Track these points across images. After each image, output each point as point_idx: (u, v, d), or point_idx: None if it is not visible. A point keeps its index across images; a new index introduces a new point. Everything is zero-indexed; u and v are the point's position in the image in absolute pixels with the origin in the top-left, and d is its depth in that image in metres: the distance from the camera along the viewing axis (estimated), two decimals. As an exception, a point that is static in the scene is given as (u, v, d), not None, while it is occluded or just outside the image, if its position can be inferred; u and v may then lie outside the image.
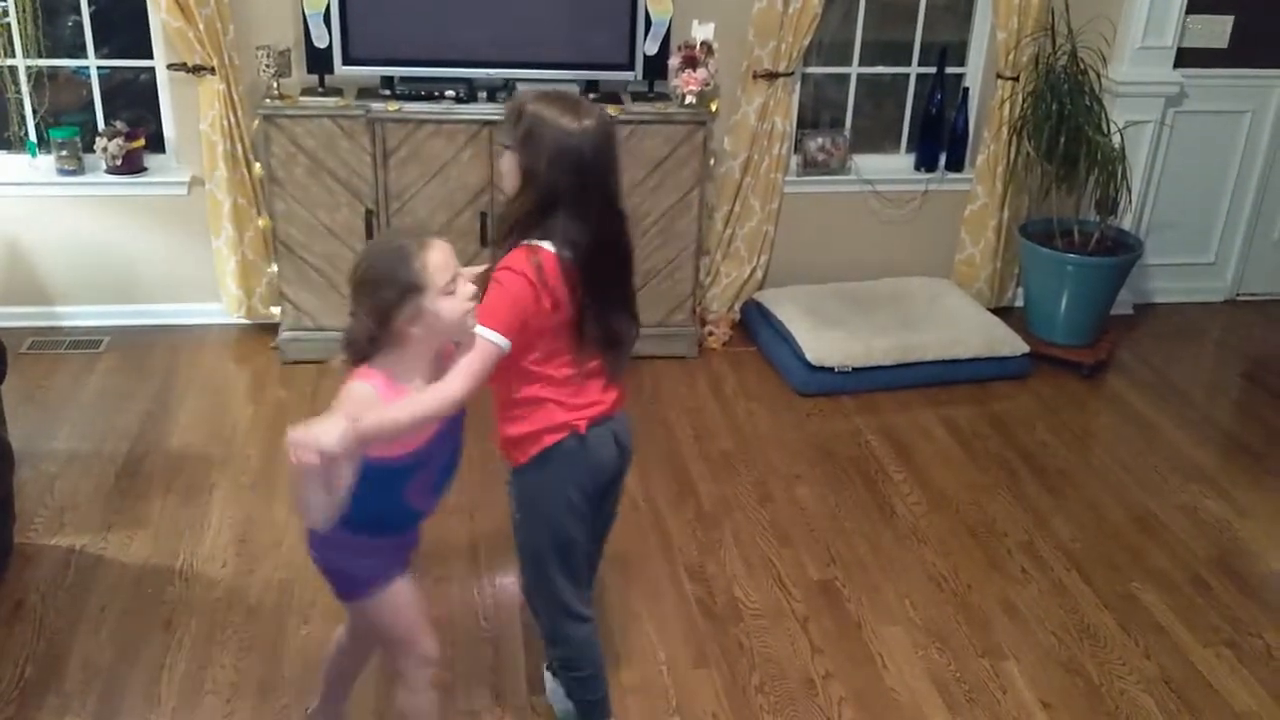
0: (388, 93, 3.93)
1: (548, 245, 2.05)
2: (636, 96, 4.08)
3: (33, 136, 4.15)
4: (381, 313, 1.90)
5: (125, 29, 4.08)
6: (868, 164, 4.56)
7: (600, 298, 2.11)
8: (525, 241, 2.05)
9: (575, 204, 2.04)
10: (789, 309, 4.25)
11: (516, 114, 2.07)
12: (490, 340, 2.00)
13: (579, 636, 2.33)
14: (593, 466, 2.21)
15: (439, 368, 2.01)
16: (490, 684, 2.69)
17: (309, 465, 1.80)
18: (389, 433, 1.91)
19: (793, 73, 4.24)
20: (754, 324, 4.42)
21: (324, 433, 1.80)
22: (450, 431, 2.07)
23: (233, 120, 3.96)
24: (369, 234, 3.97)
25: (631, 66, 3.98)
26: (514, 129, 2.07)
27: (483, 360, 2.00)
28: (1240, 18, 4.47)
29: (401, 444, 1.96)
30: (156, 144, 4.21)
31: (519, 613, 2.92)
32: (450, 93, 3.90)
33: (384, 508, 2.03)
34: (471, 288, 1.97)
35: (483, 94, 3.95)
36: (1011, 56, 4.31)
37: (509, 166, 2.09)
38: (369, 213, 3.96)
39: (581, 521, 2.24)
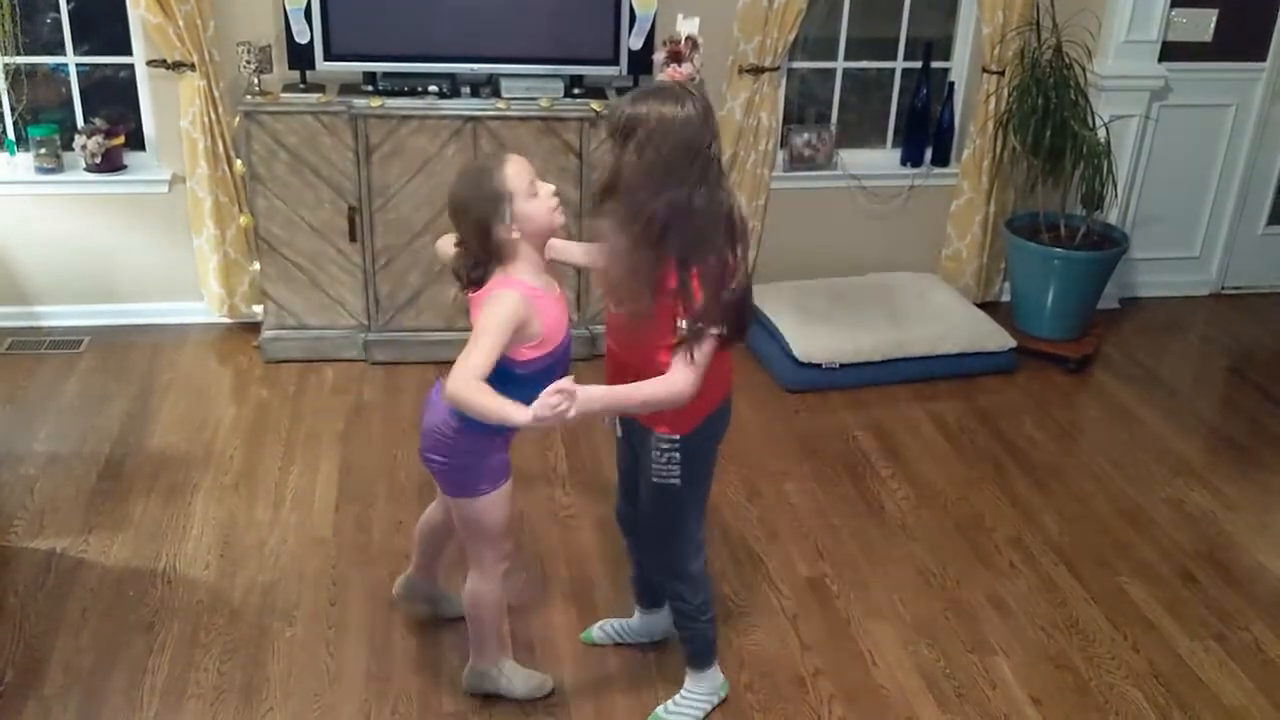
0: (370, 89, 3.90)
1: (712, 238, 2.13)
2: (621, 91, 4.05)
3: (11, 134, 4.10)
4: (482, 225, 2.17)
5: (104, 25, 4.04)
6: (854, 159, 4.55)
7: (745, 267, 2.21)
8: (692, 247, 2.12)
9: (708, 184, 2.12)
10: (776, 305, 4.24)
11: (618, 120, 2.11)
12: (717, 334, 2.16)
13: (703, 572, 2.51)
14: (728, 416, 2.43)
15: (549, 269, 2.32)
16: (477, 684, 2.68)
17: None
18: (615, 408, 2.27)
19: (778, 68, 4.22)
20: (740, 320, 4.40)
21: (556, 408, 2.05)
22: (570, 335, 2.33)
23: (213, 117, 3.92)
24: (352, 231, 3.94)
25: (616, 61, 3.95)
26: (619, 134, 2.10)
27: (711, 354, 2.18)
28: (1224, 11, 4.48)
29: (546, 345, 2.23)
30: (136, 141, 4.16)
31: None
32: (433, 88, 3.87)
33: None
34: (550, 187, 2.24)
35: (466, 89, 3.92)
36: (997, 51, 4.30)
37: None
38: (351, 210, 3.92)
39: None
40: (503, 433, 2.32)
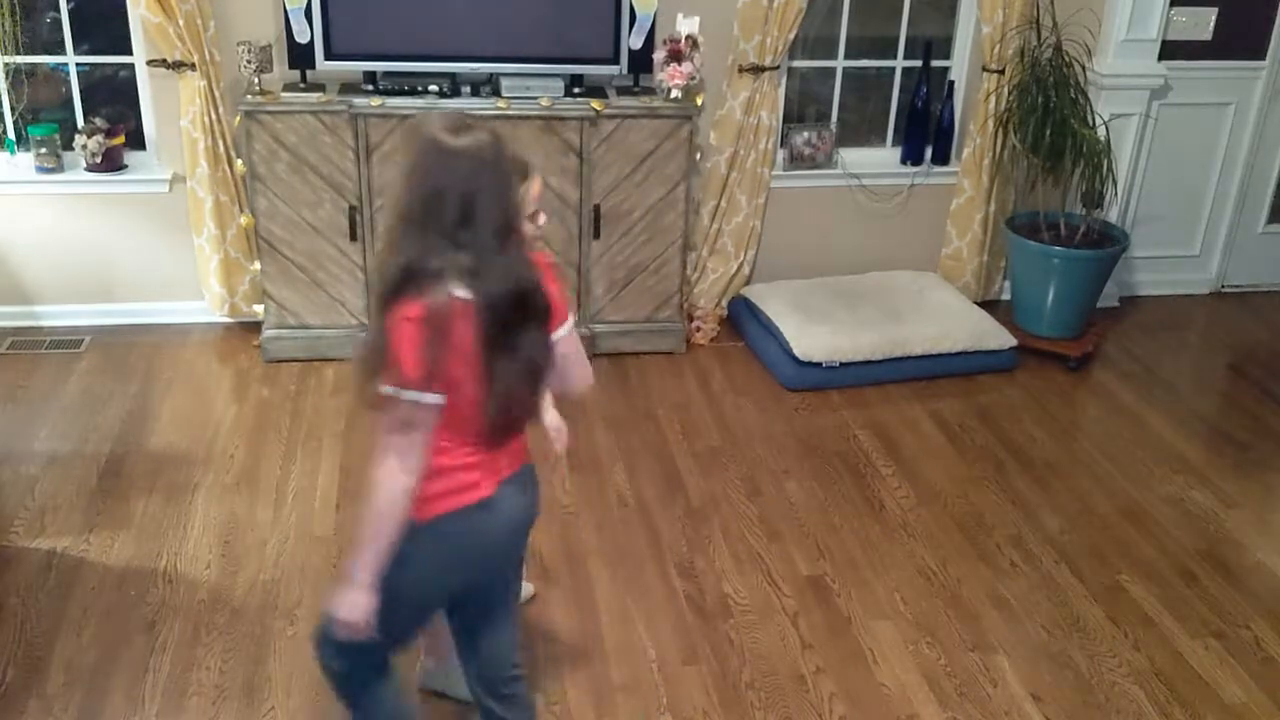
0: (370, 88, 3.90)
1: (448, 287, 1.78)
2: (622, 91, 4.06)
3: (11, 134, 4.10)
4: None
5: (104, 25, 4.04)
6: (854, 158, 4.55)
7: (505, 360, 1.84)
8: (420, 287, 1.78)
9: (462, 230, 1.79)
10: (776, 304, 4.24)
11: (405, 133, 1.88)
12: (407, 399, 1.80)
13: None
14: (497, 532, 2.04)
15: None
16: (478, 683, 2.68)
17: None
18: (374, 563, 1.92)
19: (778, 66, 4.23)
20: (741, 319, 4.41)
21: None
22: None
23: (214, 117, 3.92)
24: (352, 231, 3.94)
25: (616, 60, 3.95)
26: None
27: (408, 427, 1.83)
28: (1223, 10, 4.48)
29: None
30: (137, 141, 4.16)
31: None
32: (434, 87, 3.87)
33: None
34: (544, 218, 2.18)
35: (466, 89, 3.93)
36: (997, 50, 4.31)
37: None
38: (352, 209, 3.93)
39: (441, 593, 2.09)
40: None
